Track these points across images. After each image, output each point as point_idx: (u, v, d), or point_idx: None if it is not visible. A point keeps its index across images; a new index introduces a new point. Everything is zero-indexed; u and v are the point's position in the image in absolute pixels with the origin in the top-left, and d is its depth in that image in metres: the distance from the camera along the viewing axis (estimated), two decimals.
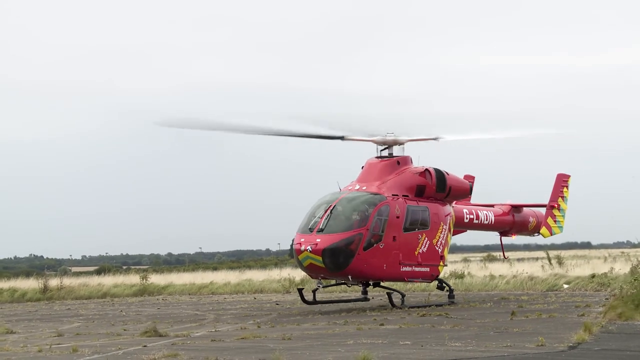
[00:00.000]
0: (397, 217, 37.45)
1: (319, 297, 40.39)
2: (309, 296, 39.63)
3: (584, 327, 24.21)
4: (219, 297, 54.56)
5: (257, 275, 67.82)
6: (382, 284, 39.47)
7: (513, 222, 45.86)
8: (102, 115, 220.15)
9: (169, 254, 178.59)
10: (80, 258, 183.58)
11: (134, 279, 68.10)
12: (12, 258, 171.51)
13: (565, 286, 47.93)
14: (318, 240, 35.67)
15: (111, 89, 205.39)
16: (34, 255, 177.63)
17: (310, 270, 36.45)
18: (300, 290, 39.84)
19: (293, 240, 37.16)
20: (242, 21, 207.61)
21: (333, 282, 39.93)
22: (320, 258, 35.57)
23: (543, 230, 47.18)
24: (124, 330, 31.43)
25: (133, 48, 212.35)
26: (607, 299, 37.46)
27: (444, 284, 40.66)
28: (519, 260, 78.79)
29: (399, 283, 40.82)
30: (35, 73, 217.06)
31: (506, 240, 47.43)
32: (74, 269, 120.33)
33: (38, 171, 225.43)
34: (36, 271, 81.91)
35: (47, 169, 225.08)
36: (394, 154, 39.51)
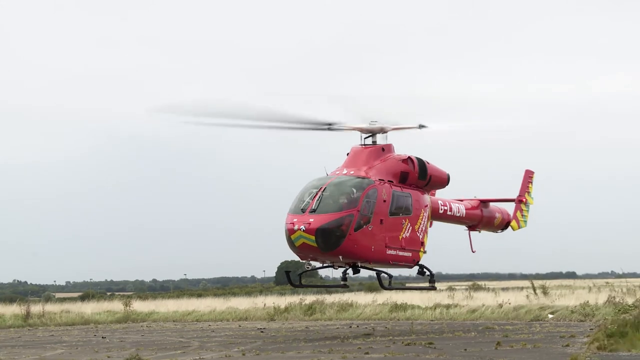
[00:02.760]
0: (384, 201, 37.76)
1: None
2: (296, 279, 40.04)
3: (571, 359, 24.22)
4: (203, 324, 54.36)
5: (242, 303, 67.65)
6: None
7: (482, 216, 46.28)
8: (88, 140, 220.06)
9: (154, 281, 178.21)
10: (64, 284, 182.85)
11: (117, 305, 67.79)
12: None
13: (550, 316, 48.00)
14: (311, 220, 35.71)
15: (98, 114, 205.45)
16: (18, 280, 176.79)
17: (302, 250, 36.20)
18: (287, 273, 39.96)
19: (284, 222, 36.54)
20: (234, 46, 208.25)
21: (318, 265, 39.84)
22: (313, 237, 35.55)
23: (513, 223, 48.02)
24: (108, 357, 31.28)
25: (123, 72, 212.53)
26: (591, 329, 37.54)
27: (425, 269, 41.02)
28: (503, 289, 78.80)
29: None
30: (24, 97, 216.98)
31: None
32: (58, 295, 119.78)
33: (22, 195, 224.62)
34: (19, 297, 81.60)
35: (32, 193, 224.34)
36: (377, 142, 39.84)
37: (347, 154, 39.64)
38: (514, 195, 48.71)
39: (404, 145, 40.66)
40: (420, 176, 39.99)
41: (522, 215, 48.56)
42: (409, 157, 39.91)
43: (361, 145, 39.73)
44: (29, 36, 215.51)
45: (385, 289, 39.69)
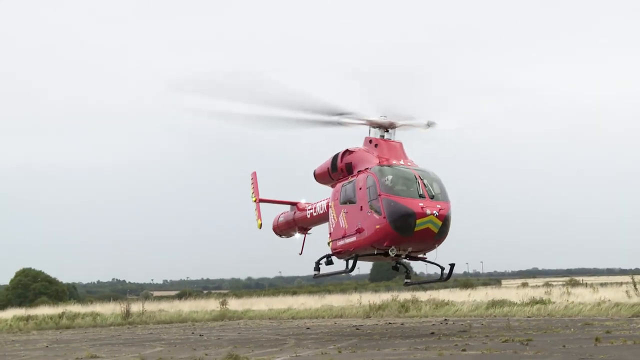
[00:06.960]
0: None
1: None
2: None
3: None
4: (299, 322, 54.63)
5: (336, 300, 67.80)
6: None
7: None
8: (183, 139, 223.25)
9: (249, 278, 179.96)
10: (161, 282, 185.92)
11: (214, 303, 68.58)
12: (96, 282, 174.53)
13: None
14: (439, 206, 35.32)
15: (190, 116, 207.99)
16: (117, 279, 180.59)
17: (419, 235, 35.37)
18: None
19: (399, 205, 35.27)
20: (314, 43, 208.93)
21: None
22: (440, 223, 35.17)
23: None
24: (206, 355, 31.64)
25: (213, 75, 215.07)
26: None
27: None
28: (602, 285, 77.44)
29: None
30: (132, 98, 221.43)
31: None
32: (156, 293, 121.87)
33: (120, 196, 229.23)
34: (119, 295, 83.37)
35: (130, 194, 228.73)
36: (385, 137, 38.98)
37: (376, 146, 38.50)
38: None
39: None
40: None
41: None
42: None
43: (382, 138, 38.70)
44: (103, 41, 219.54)
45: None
